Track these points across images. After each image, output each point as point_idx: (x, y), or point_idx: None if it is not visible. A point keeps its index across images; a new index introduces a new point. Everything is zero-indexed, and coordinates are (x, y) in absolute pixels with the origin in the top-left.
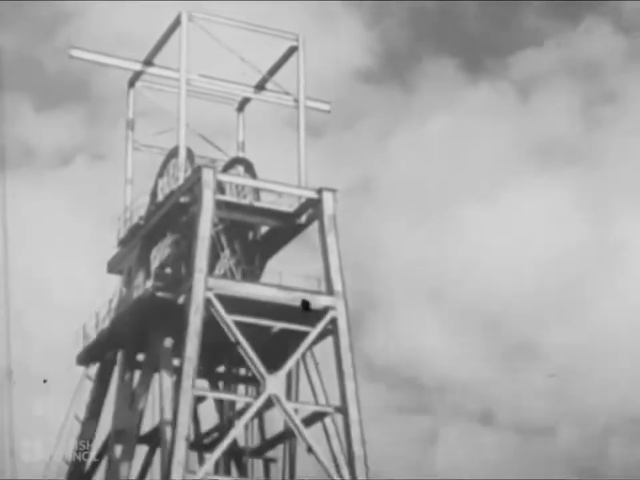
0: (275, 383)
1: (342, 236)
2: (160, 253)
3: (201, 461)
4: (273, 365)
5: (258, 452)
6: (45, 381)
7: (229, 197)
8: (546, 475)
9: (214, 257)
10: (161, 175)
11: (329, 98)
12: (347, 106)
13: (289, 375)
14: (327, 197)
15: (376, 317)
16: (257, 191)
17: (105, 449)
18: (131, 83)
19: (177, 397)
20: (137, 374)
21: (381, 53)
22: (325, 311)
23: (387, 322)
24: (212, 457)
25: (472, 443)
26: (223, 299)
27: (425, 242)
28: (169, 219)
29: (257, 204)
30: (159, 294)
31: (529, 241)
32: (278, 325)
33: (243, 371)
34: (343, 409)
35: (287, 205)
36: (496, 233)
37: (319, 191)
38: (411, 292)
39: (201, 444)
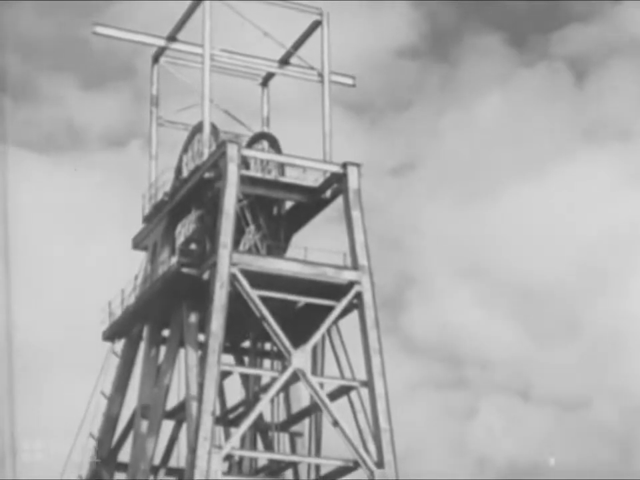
0: (300, 358)
1: (385, 214)
2: (185, 229)
3: (227, 435)
4: (299, 339)
5: (284, 426)
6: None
7: (253, 172)
8: (583, 448)
9: (239, 233)
10: (185, 150)
11: (375, 76)
12: (394, 84)
13: (314, 350)
14: (352, 172)
15: (416, 293)
16: (281, 166)
17: (131, 424)
18: (155, 59)
19: (202, 372)
20: (163, 349)
21: (428, 31)
22: (350, 285)
23: (427, 298)
24: (238, 432)
25: (510, 417)
26: (247, 274)
27: (468, 220)
28: (193, 194)
29: (281, 179)
30: (184, 270)
31: (575, 219)
32: (303, 300)
33: (268, 346)
34: (368, 383)
35: (312, 180)
36: (542, 210)
37: (344, 166)
38: (452, 269)
39: (226, 419)
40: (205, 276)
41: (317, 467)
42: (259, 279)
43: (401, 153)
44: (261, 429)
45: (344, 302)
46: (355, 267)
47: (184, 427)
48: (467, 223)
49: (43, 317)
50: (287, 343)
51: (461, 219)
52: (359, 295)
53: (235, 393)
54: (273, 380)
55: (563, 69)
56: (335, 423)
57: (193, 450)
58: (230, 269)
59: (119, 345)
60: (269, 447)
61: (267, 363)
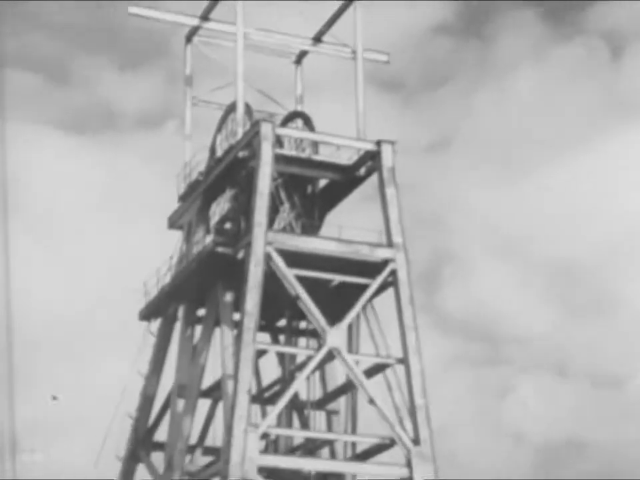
0: (335, 336)
1: (420, 192)
2: (219, 208)
3: (263, 414)
4: (334, 317)
5: (320, 404)
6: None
7: (287, 151)
8: (618, 425)
9: (273, 211)
10: (219, 130)
11: (409, 53)
12: (429, 61)
13: (349, 328)
14: (386, 149)
15: (451, 270)
16: (315, 144)
17: (168, 403)
18: (188, 39)
19: (238, 351)
20: (198, 329)
21: (462, 7)
22: (384, 263)
23: (464, 275)
24: (274, 410)
25: (546, 394)
26: (282, 253)
27: (503, 198)
28: (228, 173)
29: (315, 157)
30: (219, 249)
31: (611, 195)
32: (338, 278)
33: (303, 324)
34: (404, 360)
35: (346, 158)
36: (577, 187)
37: (378, 143)
38: (487, 246)
39: (262, 397)
40: (240, 255)
41: (353, 445)
42: (294, 258)
43: (435, 130)
44: (296, 407)
45: (379, 279)
46: (390, 244)
47: (220, 405)
48: (503, 200)
49: (78, 297)
50: (323, 321)
51: (496, 196)
52: (393, 273)
53: (270, 371)
54: (309, 358)
55: (599, 45)
56: (371, 401)
57: (229, 428)
58: (265, 248)
59: (155, 324)
60: (305, 425)
61: (302, 341)
